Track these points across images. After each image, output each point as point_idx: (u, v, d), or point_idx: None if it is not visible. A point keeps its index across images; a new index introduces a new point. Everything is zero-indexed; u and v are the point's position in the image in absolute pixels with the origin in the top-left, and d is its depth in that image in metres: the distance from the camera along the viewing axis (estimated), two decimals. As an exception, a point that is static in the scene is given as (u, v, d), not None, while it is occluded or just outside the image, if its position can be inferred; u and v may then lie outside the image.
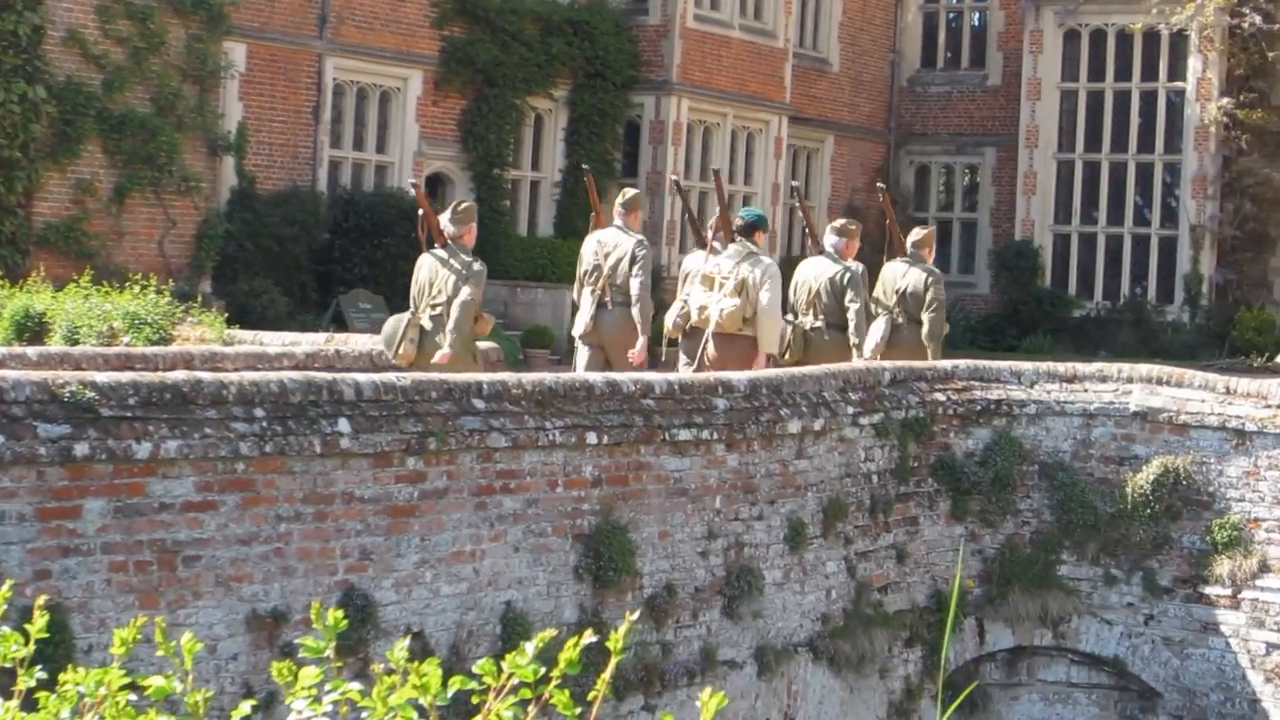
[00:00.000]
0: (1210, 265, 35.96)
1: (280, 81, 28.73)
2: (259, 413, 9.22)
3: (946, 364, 15.78)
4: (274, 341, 15.96)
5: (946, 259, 39.62)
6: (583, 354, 15.61)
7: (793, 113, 35.81)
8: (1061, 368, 16.11)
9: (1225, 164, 36.09)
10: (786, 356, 15.75)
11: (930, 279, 16.82)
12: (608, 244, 15.51)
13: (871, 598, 14.12)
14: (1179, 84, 36.49)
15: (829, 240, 16.32)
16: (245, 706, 3.08)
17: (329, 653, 3.01)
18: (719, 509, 12.29)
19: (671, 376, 12.59)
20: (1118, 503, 15.24)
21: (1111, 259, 37.05)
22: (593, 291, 15.50)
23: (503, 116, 31.82)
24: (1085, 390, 15.64)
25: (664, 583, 11.79)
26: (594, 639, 2.97)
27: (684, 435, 11.88)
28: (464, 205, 15.17)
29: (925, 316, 16.72)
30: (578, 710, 2.89)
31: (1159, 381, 15.54)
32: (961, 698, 14.80)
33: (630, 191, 16.20)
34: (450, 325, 14.22)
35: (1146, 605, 15.17)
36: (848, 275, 15.92)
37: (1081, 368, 16.05)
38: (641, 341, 15.21)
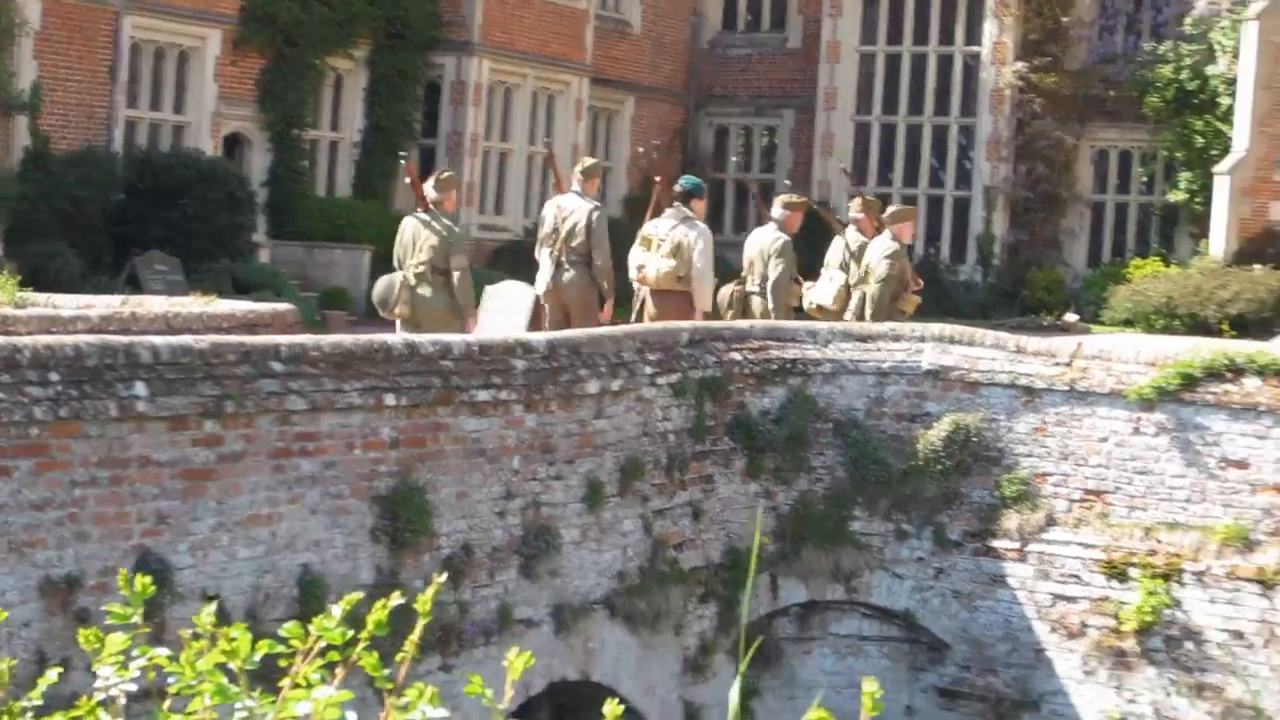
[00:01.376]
0: (1003, 226, 36.74)
1: (77, 40, 28.27)
2: (54, 376, 9.19)
3: (743, 324, 16.05)
4: (68, 304, 15.79)
5: (745, 220, 40.04)
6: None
7: (594, 74, 35.92)
8: (855, 327, 16.45)
9: (1019, 127, 36.85)
10: (729, 316, 17.04)
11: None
12: (566, 209, 16.66)
13: (667, 555, 14.35)
14: (975, 48, 37.17)
15: (775, 212, 17.58)
16: (52, 674, 3.08)
17: (136, 618, 3.02)
18: (517, 469, 12.44)
19: (470, 338, 12.71)
20: (909, 459, 15.61)
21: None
22: (551, 253, 16.67)
23: (302, 76, 31.58)
24: (878, 349, 15.98)
25: (461, 543, 11.91)
26: (401, 600, 3.05)
27: (482, 396, 12.01)
28: (446, 174, 16.74)
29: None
30: (385, 672, 2.96)
31: (951, 340, 15.94)
32: (752, 650, 15.10)
33: (589, 160, 17.66)
34: (461, 296, 15.76)
35: (936, 559, 15.57)
36: (777, 243, 17.17)
37: (874, 327, 16.39)
38: (609, 303, 16.75)
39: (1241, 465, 14.64)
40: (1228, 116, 33.84)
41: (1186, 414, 14.87)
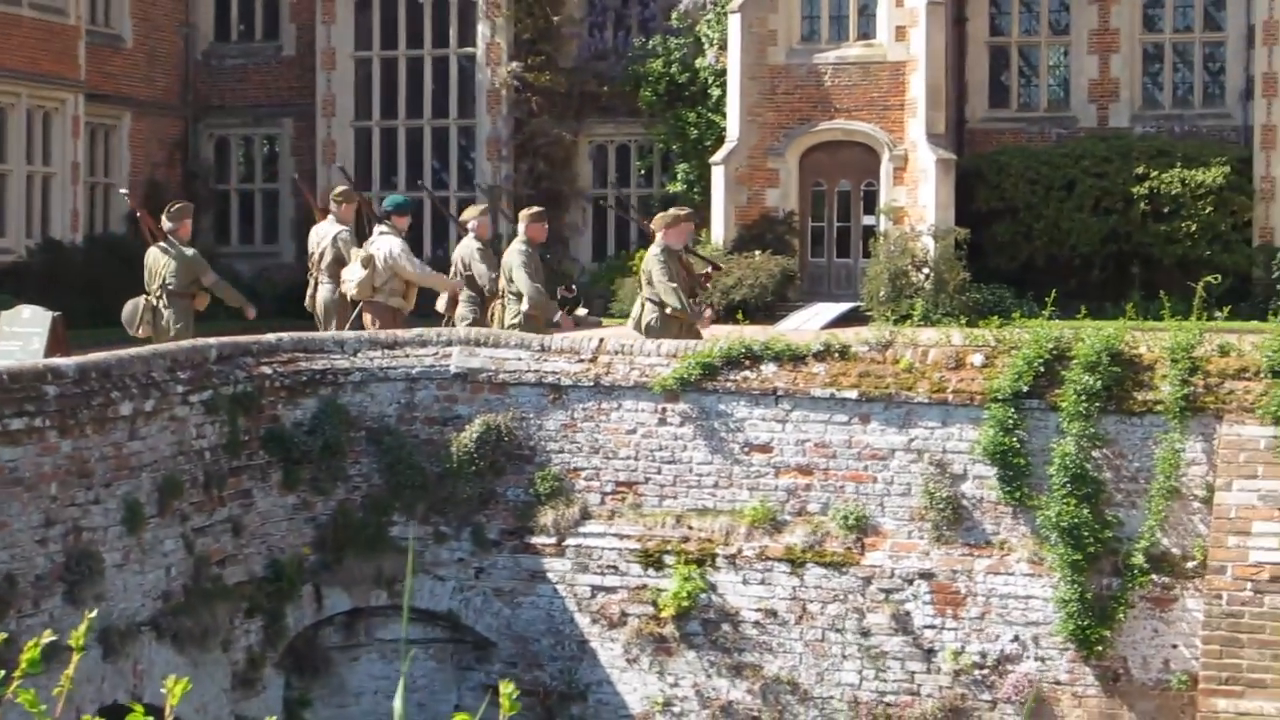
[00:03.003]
0: (508, 225, 37.29)
1: None
2: None
3: (272, 337, 16.04)
4: None
5: (251, 231, 39.71)
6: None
7: (89, 90, 35.03)
8: (383, 335, 16.63)
9: (517, 126, 37.50)
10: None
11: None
12: (319, 234, 18.98)
13: (210, 572, 14.28)
14: (470, 49, 37.64)
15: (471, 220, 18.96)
16: None
17: None
18: (55, 495, 12.23)
19: (-2, 365, 12.43)
20: (444, 462, 15.87)
21: (411, 224, 37.89)
22: (310, 274, 19.01)
23: None
24: (407, 355, 16.20)
25: (4, 574, 11.66)
26: (54, 638, 3.08)
27: (16, 424, 11.78)
28: (178, 206, 18.45)
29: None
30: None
31: (477, 343, 16.26)
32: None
33: (341, 188, 19.84)
34: (232, 300, 18.33)
35: (476, 559, 15.87)
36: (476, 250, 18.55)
37: (402, 334, 16.59)
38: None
39: (765, 449, 15.37)
40: (719, 107, 35.17)
41: (709, 402, 15.52)
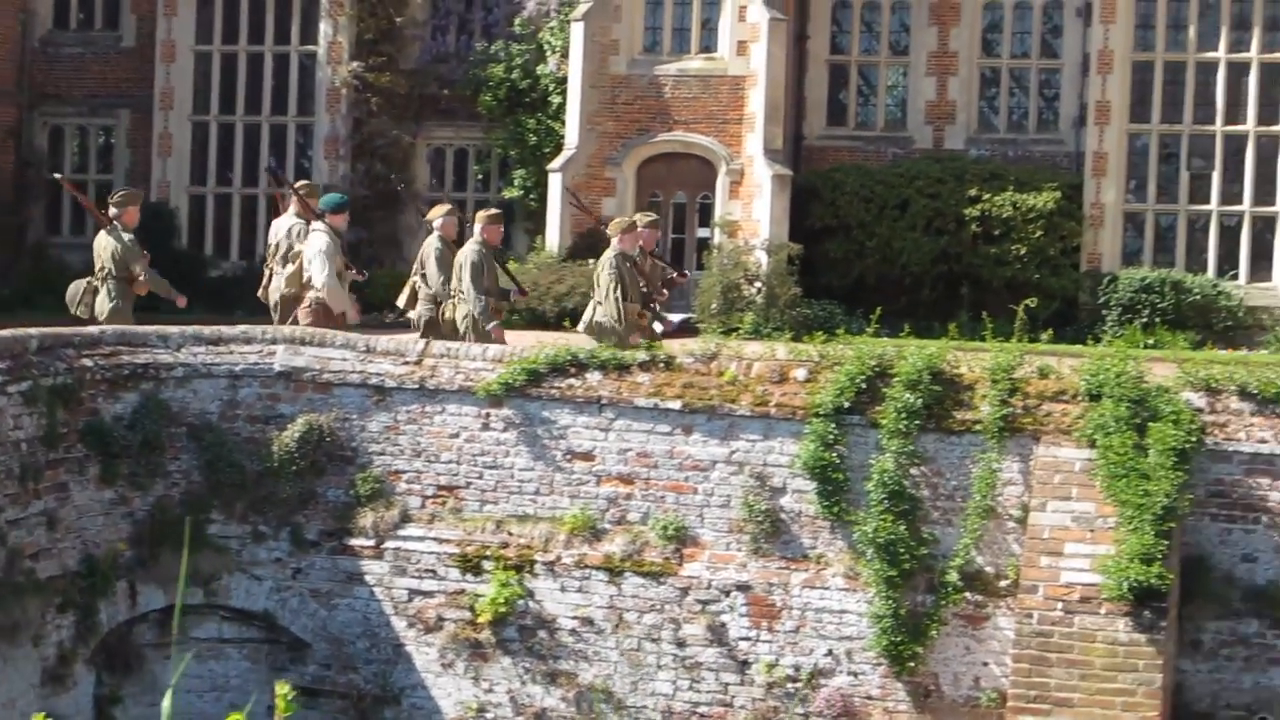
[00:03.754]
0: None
1: None
2: None
3: (94, 329, 15.82)
4: None
5: (83, 222, 39.09)
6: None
7: (-82, 72, 34.31)
8: (208, 331, 16.45)
9: (356, 125, 37.26)
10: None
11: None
12: (278, 227, 19.03)
13: (23, 565, 14.06)
14: (311, 47, 37.34)
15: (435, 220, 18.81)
16: None
17: None
18: None
19: None
20: (265, 461, 15.75)
21: (246, 219, 37.58)
22: (267, 264, 18.98)
23: None
24: (231, 352, 16.06)
25: None
26: None
27: None
28: (123, 193, 18.61)
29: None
30: None
31: (302, 342, 16.16)
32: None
33: (303, 182, 20.14)
34: (161, 290, 18.14)
35: (294, 559, 15.76)
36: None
37: (227, 330, 16.43)
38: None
39: (587, 457, 15.41)
40: (559, 115, 35.18)
41: (533, 409, 15.53)
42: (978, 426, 14.62)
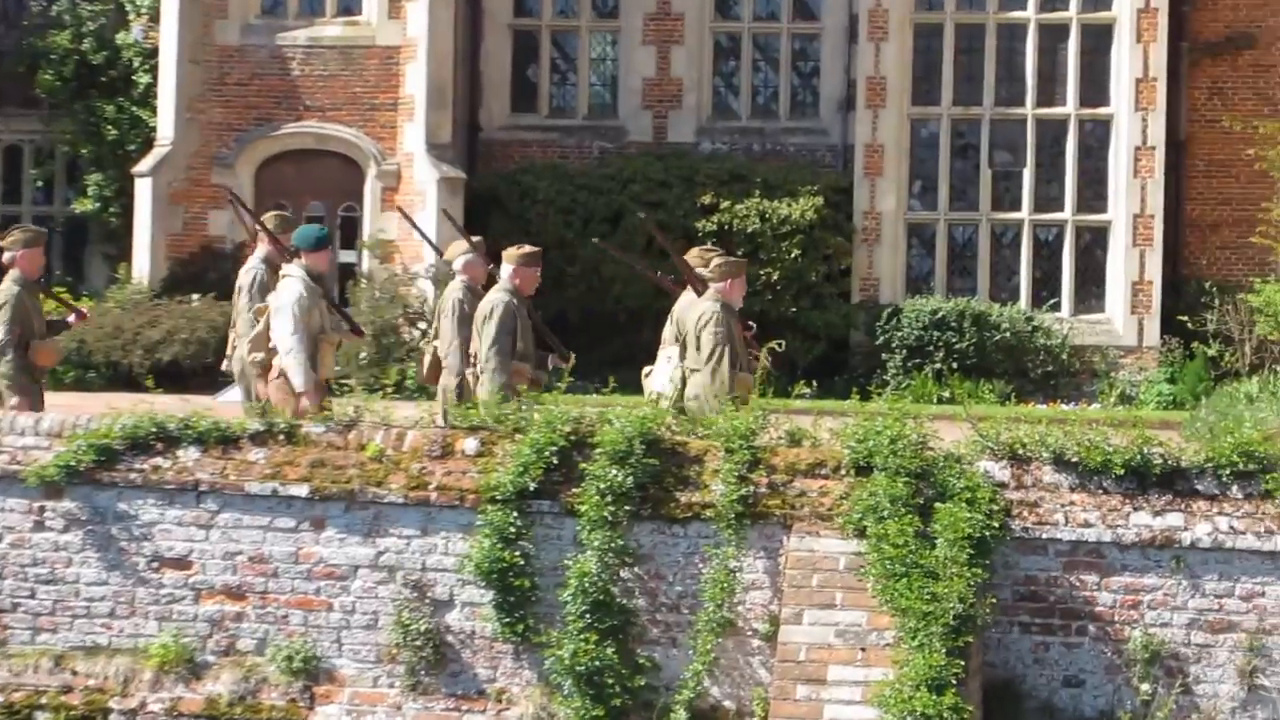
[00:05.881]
0: None
1: None
2: None
3: None
4: None
5: None
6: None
7: None
8: None
9: None
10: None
11: None
12: (243, 273, 19.28)
13: None
14: None
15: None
16: None
17: None
18: None
19: None
20: None
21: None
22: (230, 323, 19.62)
23: None
24: None
25: None
26: None
27: None
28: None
29: None
30: None
31: None
32: None
33: (273, 212, 20.39)
34: None
35: None
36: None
37: None
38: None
39: (181, 565, 15.18)
40: (148, 99, 34.85)
41: (105, 500, 15.28)
42: (709, 512, 14.64)
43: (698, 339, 17.42)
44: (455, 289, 18.76)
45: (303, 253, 18.21)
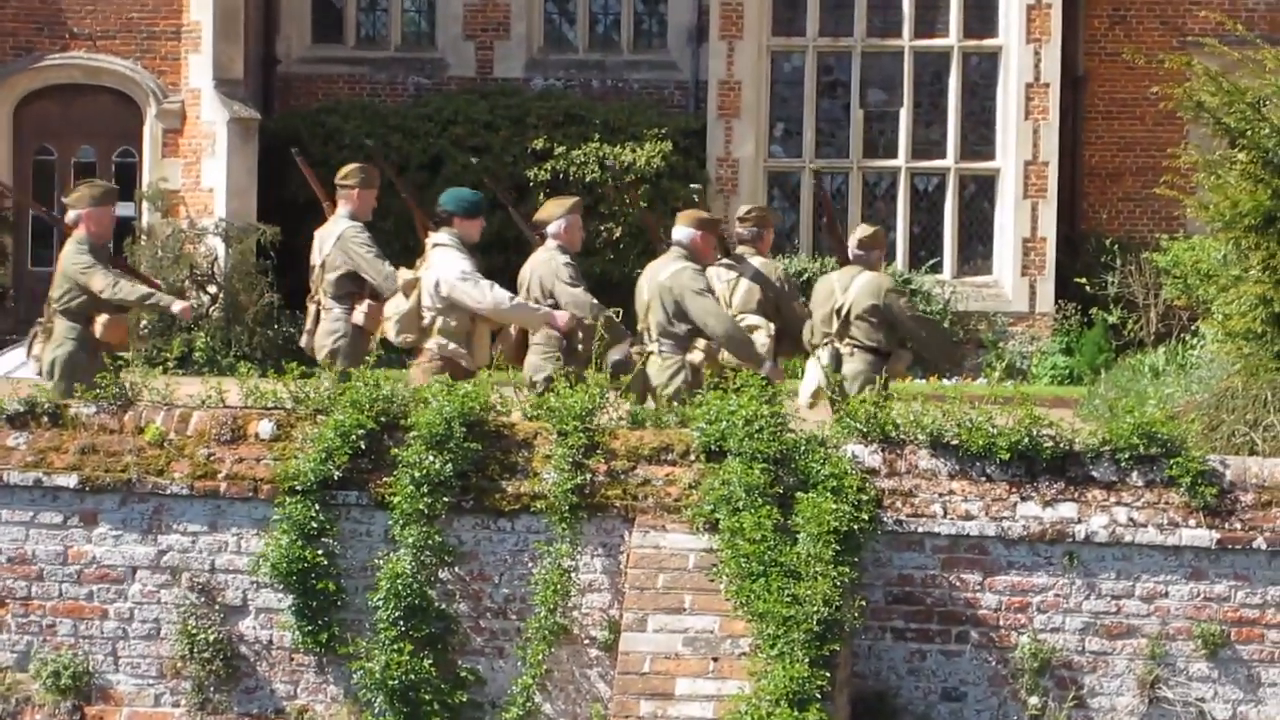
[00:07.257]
0: None
1: None
2: None
3: None
4: None
5: None
6: None
7: None
8: None
9: None
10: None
11: None
12: (324, 236, 18.99)
13: None
14: None
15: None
16: None
17: None
18: None
19: None
20: None
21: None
22: (310, 296, 19.16)
23: None
24: None
25: None
26: None
27: None
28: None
29: None
30: None
31: None
32: None
33: (353, 165, 19.56)
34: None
35: None
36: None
37: None
38: None
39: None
40: None
41: None
42: (539, 504, 14.70)
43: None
44: (553, 256, 18.20)
45: (456, 219, 17.97)
